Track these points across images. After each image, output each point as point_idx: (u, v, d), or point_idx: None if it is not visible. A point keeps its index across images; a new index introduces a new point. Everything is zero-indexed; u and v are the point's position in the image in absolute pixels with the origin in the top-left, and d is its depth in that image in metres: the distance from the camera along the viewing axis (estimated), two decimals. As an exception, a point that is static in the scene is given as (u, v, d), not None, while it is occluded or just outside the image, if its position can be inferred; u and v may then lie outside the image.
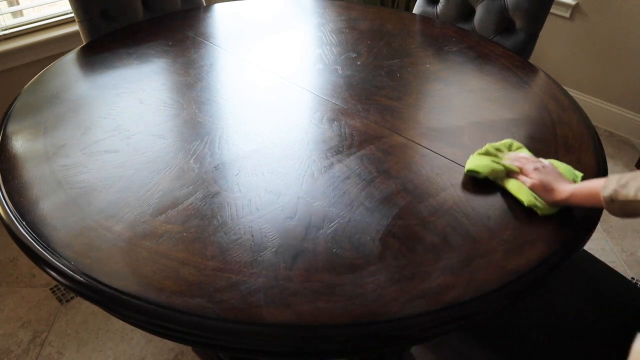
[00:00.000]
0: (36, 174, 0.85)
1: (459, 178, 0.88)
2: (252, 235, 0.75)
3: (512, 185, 0.84)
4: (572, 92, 2.43)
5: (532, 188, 0.81)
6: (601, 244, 1.78)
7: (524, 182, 0.83)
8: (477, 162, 0.87)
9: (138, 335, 1.41)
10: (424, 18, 1.54)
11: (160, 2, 1.51)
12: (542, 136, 0.99)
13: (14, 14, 1.76)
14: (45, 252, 0.71)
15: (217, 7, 1.53)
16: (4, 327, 1.43)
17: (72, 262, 0.70)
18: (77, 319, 1.46)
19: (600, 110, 2.38)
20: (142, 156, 0.89)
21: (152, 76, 1.14)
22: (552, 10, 2.26)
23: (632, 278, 1.66)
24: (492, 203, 0.83)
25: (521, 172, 0.85)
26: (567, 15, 2.26)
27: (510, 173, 0.86)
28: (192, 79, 1.14)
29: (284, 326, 0.63)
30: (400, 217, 0.79)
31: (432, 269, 0.71)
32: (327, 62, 1.24)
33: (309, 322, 0.63)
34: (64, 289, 1.53)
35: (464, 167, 0.90)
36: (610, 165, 2.15)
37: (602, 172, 0.91)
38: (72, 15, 1.57)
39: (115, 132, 0.95)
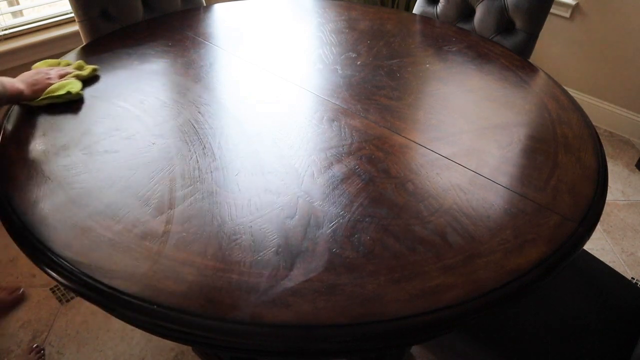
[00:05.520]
0: (36, 174, 0.85)
1: (459, 178, 0.88)
2: (252, 235, 0.75)
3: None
4: (572, 92, 2.43)
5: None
6: (601, 244, 1.79)
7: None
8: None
9: (138, 335, 1.41)
10: (424, 18, 1.54)
11: (160, 2, 1.51)
12: (542, 136, 0.99)
13: (14, 14, 1.76)
14: (45, 252, 0.71)
15: (217, 7, 1.53)
16: (4, 327, 1.43)
17: (72, 262, 0.70)
18: (77, 319, 1.46)
19: (600, 110, 2.38)
20: (142, 156, 0.89)
21: (152, 76, 1.14)
22: (552, 10, 2.26)
23: (632, 278, 1.66)
24: (492, 203, 0.83)
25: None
26: (567, 15, 2.26)
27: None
28: (192, 79, 1.14)
29: (284, 326, 0.63)
30: (400, 217, 0.79)
31: (432, 269, 0.71)
32: (327, 62, 1.24)
33: (308, 322, 0.63)
34: (64, 289, 1.53)
35: (464, 167, 0.91)
36: (610, 165, 2.15)
37: (602, 172, 0.91)
38: (72, 15, 1.57)
39: (115, 132, 0.95)
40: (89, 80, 1.11)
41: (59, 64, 1.13)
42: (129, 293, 0.66)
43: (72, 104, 1.03)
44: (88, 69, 1.11)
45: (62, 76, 1.07)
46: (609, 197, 2.00)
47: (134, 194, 0.81)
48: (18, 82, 0.99)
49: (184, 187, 0.83)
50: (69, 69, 1.10)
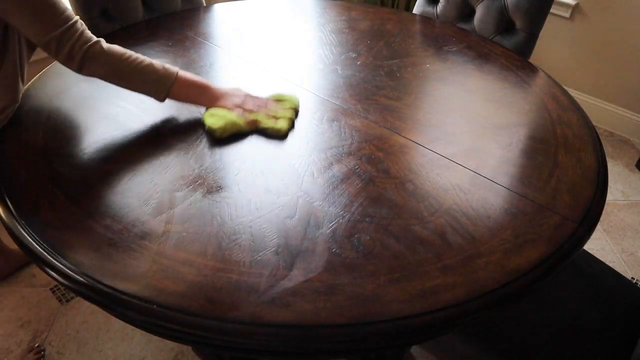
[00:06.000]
0: (36, 174, 0.85)
1: (459, 178, 0.88)
2: (252, 235, 0.75)
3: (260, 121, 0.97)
4: (572, 92, 2.43)
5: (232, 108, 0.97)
6: (601, 244, 1.79)
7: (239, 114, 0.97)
8: (212, 120, 0.95)
9: (138, 335, 1.41)
10: (424, 18, 1.54)
11: (160, 2, 1.51)
12: (542, 136, 1.00)
13: (14, 14, 1.75)
14: (45, 252, 0.71)
15: (217, 7, 1.53)
16: (4, 327, 1.43)
17: (72, 262, 0.70)
18: (77, 319, 1.46)
19: (600, 110, 2.38)
20: (142, 156, 0.89)
21: (152, 76, 1.13)
22: (552, 10, 2.26)
23: (632, 278, 1.66)
24: (492, 203, 0.83)
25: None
26: (567, 15, 2.26)
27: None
28: (192, 79, 1.13)
29: (284, 326, 0.63)
30: (400, 217, 0.79)
31: (432, 269, 0.71)
32: (327, 62, 1.24)
33: (308, 322, 0.63)
34: (64, 289, 1.53)
35: (464, 167, 0.91)
36: (610, 165, 2.15)
37: (602, 172, 0.91)
38: (72, 15, 1.57)
39: (115, 132, 0.95)
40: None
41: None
42: (129, 293, 0.66)
43: (73, 105, 1.03)
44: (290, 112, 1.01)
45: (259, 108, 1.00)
46: (609, 197, 2.00)
47: (134, 194, 0.81)
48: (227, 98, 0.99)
49: (184, 187, 0.83)
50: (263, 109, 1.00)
